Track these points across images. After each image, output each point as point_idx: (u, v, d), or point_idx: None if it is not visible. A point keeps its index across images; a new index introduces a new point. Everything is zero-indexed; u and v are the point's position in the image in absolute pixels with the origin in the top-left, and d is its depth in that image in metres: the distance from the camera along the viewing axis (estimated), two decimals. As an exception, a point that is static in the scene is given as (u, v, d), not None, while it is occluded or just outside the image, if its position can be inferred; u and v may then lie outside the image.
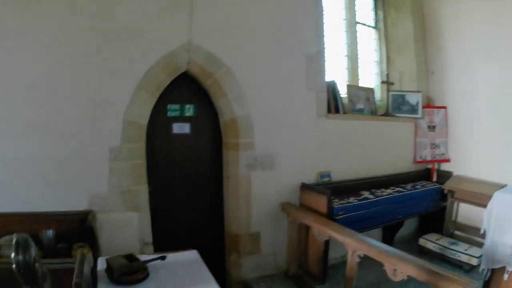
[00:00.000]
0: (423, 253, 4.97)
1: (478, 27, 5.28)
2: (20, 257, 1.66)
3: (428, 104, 5.89)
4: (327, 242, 3.84)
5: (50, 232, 2.85)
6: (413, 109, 5.66)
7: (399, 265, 2.79)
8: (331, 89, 4.81)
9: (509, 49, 4.93)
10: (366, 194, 4.65)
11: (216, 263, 4.10)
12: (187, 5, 3.62)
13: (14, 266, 1.65)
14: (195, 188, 4.05)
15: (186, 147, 3.97)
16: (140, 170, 3.50)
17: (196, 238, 3.95)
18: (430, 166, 5.87)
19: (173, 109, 3.88)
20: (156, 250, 3.48)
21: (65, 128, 3.15)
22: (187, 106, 3.94)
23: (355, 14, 5.78)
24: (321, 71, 4.63)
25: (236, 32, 3.95)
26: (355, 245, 3.23)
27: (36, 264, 1.72)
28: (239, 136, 3.99)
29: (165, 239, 3.73)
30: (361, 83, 5.75)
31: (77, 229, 2.95)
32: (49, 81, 3.08)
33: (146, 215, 3.56)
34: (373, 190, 4.85)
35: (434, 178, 5.77)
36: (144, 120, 3.50)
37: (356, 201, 4.36)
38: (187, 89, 3.91)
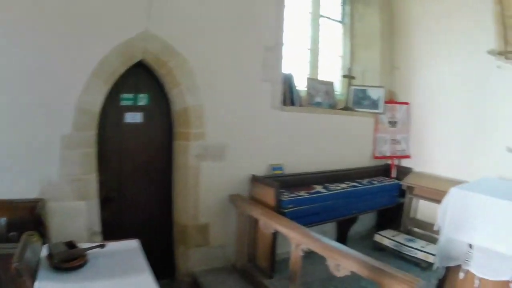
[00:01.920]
0: (379, 249, 5.24)
1: (445, 23, 5.67)
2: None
3: (391, 99, 6.23)
4: (274, 236, 4.02)
5: (1, 220, 2.95)
6: (374, 104, 6.02)
7: (342, 260, 2.92)
8: (288, 81, 5.03)
9: (470, 46, 5.38)
10: (318, 188, 4.88)
11: (167, 254, 4.33)
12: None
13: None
14: (146, 178, 4.20)
15: (138, 136, 4.11)
16: (90, 158, 3.62)
17: (147, 228, 4.13)
18: (390, 162, 6.21)
19: (126, 98, 4.01)
20: (105, 239, 3.53)
21: (17, 115, 3.24)
22: (141, 95, 4.08)
23: (320, 8, 6.04)
24: (278, 63, 4.84)
25: (194, 21, 4.09)
26: (299, 239, 3.36)
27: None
28: (190, 125, 4.14)
29: (115, 229, 3.86)
30: (324, 77, 6.01)
31: (29, 217, 3.04)
32: (0, 68, 3.16)
33: (95, 204, 3.70)
34: (326, 184, 5.08)
35: (393, 174, 6.10)
36: (96, 108, 3.61)
37: (307, 194, 4.56)
38: (142, 78, 4.04)
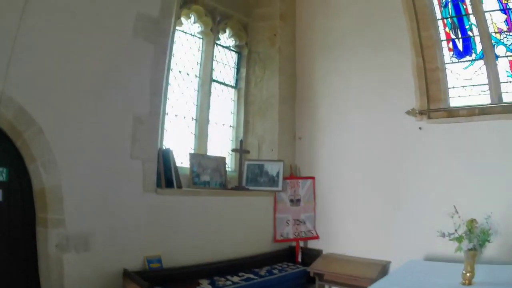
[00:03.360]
0: None
1: (356, 81, 6.10)
2: None
3: (292, 175, 6.44)
4: None
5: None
6: (272, 181, 6.15)
7: None
8: (165, 158, 5.01)
9: (387, 106, 5.78)
10: (204, 284, 4.75)
11: None
12: (7, 50, 3.67)
13: None
14: (8, 273, 3.88)
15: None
16: None
17: None
18: (294, 244, 6.27)
19: (-20, 172, 3.81)
20: None
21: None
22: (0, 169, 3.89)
23: (212, 71, 6.25)
24: (152, 136, 4.82)
25: (55, 85, 4.03)
26: None
27: None
28: (47, 210, 3.96)
29: None
30: (212, 151, 6.08)
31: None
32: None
33: None
34: (215, 279, 4.95)
35: (299, 259, 6.15)
36: None
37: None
38: (1, 148, 3.86)
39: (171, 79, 5.42)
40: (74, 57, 4.18)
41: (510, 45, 5.76)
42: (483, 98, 5.71)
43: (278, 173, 6.18)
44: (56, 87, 4.06)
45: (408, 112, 5.63)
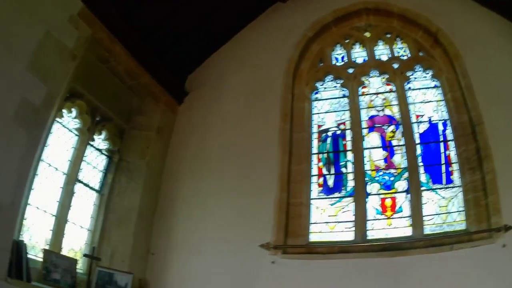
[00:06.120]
0: None
1: (213, 215, 6.39)
2: None
3: (141, 289, 6.36)
4: None
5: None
6: (121, 292, 6.03)
7: None
8: (18, 249, 4.77)
9: (242, 238, 6.08)
10: None
11: None
12: None
13: None
14: None
15: None
16: None
17: None
18: None
19: None
20: None
21: None
22: None
23: (79, 171, 6.25)
24: (10, 226, 4.61)
25: None
26: None
27: None
28: None
29: None
30: (66, 250, 5.93)
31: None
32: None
33: None
34: None
35: None
36: None
37: None
38: None
39: (40, 170, 5.34)
40: None
41: (386, 183, 6.43)
42: (347, 235, 6.17)
43: (126, 285, 6.08)
44: None
45: (262, 246, 5.93)
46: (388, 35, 7.98)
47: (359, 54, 8.04)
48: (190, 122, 7.80)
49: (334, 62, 8.08)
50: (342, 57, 8.07)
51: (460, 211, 6.12)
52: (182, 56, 7.89)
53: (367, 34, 8.09)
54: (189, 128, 7.70)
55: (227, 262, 6.13)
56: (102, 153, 6.86)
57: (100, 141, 6.79)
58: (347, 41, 8.15)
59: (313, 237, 6.36)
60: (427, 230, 6.06)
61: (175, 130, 7.78)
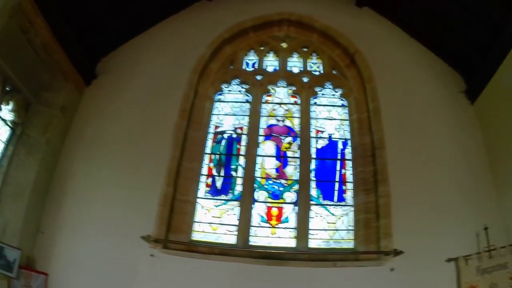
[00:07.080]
0: None
1: (101, 200, 6.49)
2: None
3: (27, 266, 6.26)
4: None
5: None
6: (9, 266, 5.91)
7: None
8: None
9: (124, 228, 6.20)
10: None
11: None
12: None
13: None
14: None
15: None
16: None
17: None
18: None
19: None
20: None
21: None
22: None
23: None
24: None
25: None
26: None
27: None
28: None
29: None
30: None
31: None
32: None
33: None
34: None
35: None
36: None
37: None
38: None
39: None
40: None
41: (275, 192, 6.70)
42: (230, 238, 6.38)
43: (15, 260, 6.00)
44: None
45: (143, 237, 6.07)
46: (305, 49, 8.42)
47: (271, 63, 8.43)
48: (94, 105, 7.78)
49: (244, 66, 8.40)
50: (254, 63, 8.41)
51: (349, 229, 6.52)
52: (100, 38, 7.86)
53: (284, 45, 8.49)
54: (92, 111, 7.69)
55: (109, 249, 6.21)
56: (7, 124, 6.68)
57: (6, 111, 6.62)
58: (262, 48, 8.51)
59: (196, 236, 6.55)
60: (313, 244, 6.38)
61: (79, 110, 7.73)
